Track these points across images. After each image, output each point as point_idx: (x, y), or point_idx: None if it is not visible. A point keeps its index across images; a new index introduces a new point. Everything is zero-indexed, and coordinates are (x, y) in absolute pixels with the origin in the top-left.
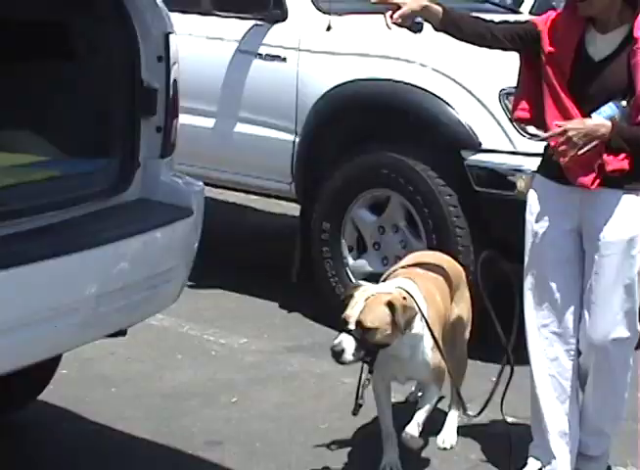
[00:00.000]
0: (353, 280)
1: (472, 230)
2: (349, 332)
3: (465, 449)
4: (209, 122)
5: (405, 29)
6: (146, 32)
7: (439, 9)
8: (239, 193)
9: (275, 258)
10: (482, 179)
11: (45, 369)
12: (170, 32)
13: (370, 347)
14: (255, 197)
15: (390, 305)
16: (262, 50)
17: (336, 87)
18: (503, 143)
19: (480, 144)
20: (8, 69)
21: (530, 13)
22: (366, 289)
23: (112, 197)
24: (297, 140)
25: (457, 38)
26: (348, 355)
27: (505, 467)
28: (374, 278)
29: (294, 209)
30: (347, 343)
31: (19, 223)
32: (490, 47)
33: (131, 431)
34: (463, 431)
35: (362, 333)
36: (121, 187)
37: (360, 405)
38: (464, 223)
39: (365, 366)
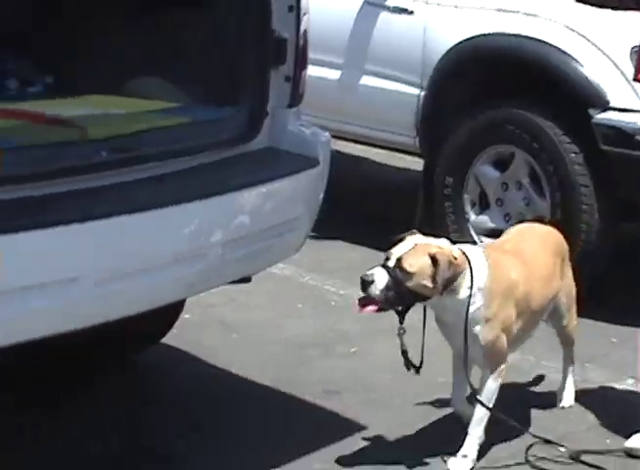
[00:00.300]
0: (475, 236)
1: (596, 189)
2: (386, 267)
3: (582, 410)
4: (335, 74)
5: None
6: None
7: None
8: (362, 146)
9: (397, 212)
10: (609, 138)
11: (169, 313)
12: None
13: (403, 291)
14: (379, 150)
15: (435, 258)
16: (390, 2)
17: (463, 41)
18: (632, 102)
19: (609, 102)
20: (140, 18)
21: None
22: (419, 237)
23: (240, 145)
24: (423, 94)
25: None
26: (376, 290)
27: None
28: (495, 234)
29: (416, 163)
30: (380, 276)
31: (149, 168)
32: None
33: (250, 377)
34: (579, 392)
35: (399, 273)
36: (249, 135)
37: (413, 365)
38: (589, 182)
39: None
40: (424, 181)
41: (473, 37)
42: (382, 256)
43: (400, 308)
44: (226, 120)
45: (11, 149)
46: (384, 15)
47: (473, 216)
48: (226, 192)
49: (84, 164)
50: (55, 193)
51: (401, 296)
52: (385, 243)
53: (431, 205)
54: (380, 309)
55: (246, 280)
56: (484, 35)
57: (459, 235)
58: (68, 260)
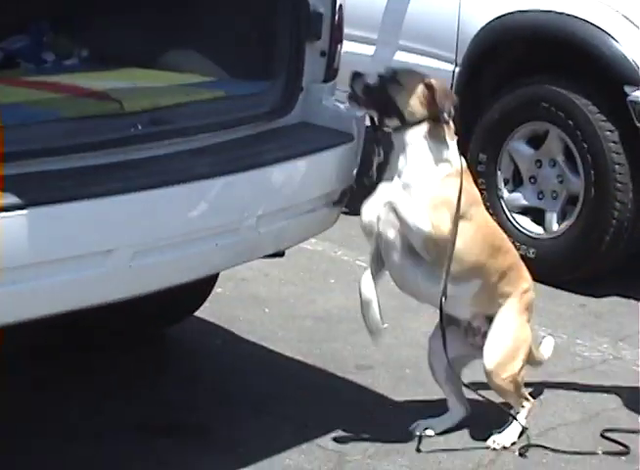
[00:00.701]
0: (507, 213)
1: (631, 167)
2: (380, 74)
3: (614, 389)
4: (370, 50)
5: None
6: None
7: None
8: None
9: None
10: None
11: (202, 287)
12: None
13: (385, 99)
14: None
15: (430, 85)
16: None
17: (498, 18)
18: None
19: None
20: None
21: None
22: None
23: (274, 119)
24: (457, 70)
25: None
26: (361, 83)
27: None
28: (529, 212)
29: None
30: (372, 76)
31: (185, 141)
32: None
33: (282, 351)
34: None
35: (389, 82)
36: (284, 110)
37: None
38: (623, 160)
39: None
40: None
41: (508, 14)
42: None
43: (376, 117)
44: (261, 95)
45: (53, 120)
46: None
47: (506, 193)
48: (260, 166)
49: (120, 137)
50: (91, 165)
51: (381, 103)
52: None
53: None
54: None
55: (279, 254)
56: (520, 12)
57: (492, 212)
58: (104, 233)
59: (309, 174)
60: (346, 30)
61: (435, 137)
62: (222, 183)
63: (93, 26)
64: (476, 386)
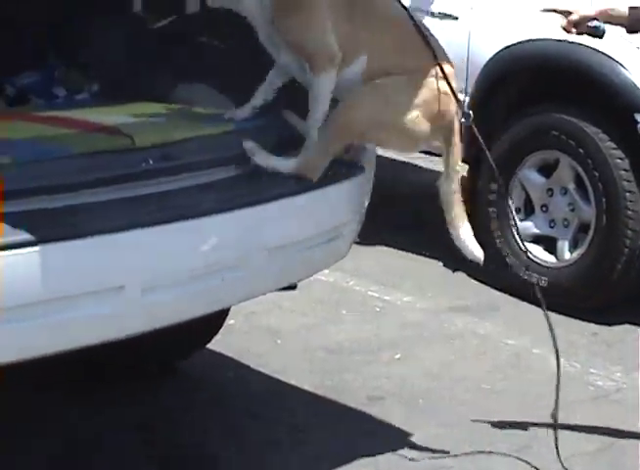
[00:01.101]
0: (519, 242)
1: None
2: None
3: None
4: None
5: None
6: None
7: (623, 11)
8: None
9: (440, 217)
10: None
11: (214, 319)
12: None
13: None
14: (422, 154)
15: None
16: (435, 8)
17: (507, 47)
18: None
19: None
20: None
21: None
22: None
23: (283, 152)
24: (467, 99)
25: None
26: None
27: None
28: (541, 240)
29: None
30: None
31: (194, 176)
32: None
33: (294, 383)
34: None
35: None
36: (292, 142)
37: None
38: (635, 188)
39: None
40: (468, 187)
41: (517, 43)
42: (424, 261)
43: None
44: (269, 128)
45: (64, 157)
46: (428, 20)
47: (518, 223)
48: (269, 200)
49: (131, 173)
50: (102, 201)
51: None
52: (427, 248)
53: (475, 210)
54: None
55: (292, 287)
56: (529, 41)
57: (503, 240)
58: (115, 268)
59: (320, 207)
60: None
61: None
62: (231, 218)
63: (103, 61)
64: None
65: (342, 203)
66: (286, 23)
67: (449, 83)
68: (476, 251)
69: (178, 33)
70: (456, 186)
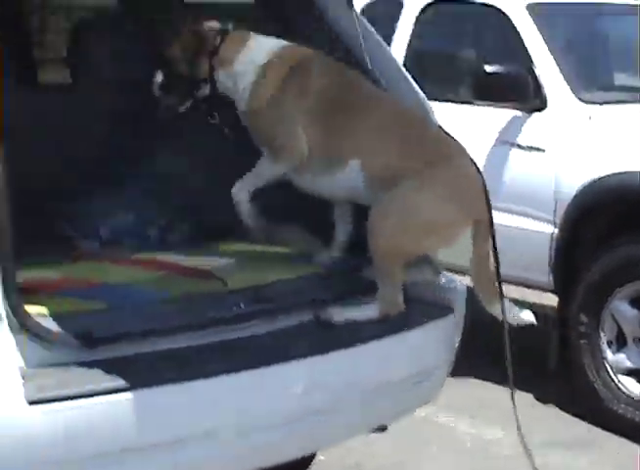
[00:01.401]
0: (612, 375)
1: None
2: None
3: None
4: None
5: None
6: None
7: None
8: None
9: (530, 349)
10: None
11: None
12: None
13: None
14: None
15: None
16: (522, 141)
17: (597, 179)
18: None
19: None
20: None
21: None
22: None
23: (373, 294)
24: (556, 231)
25: None
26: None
27: None
28: (635, 374)
29: (548, 298)
30: None
31: (285, 318)
32: None
33: None
34: None
35: None
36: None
37: None
38: None
39: None
40: (558, 319)
41: (607, 176)
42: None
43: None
44: (358, 270)
45: (157, 301)
46: (515, 152)
47: (610, 355)
48: (359, 343)
49: (223, 317)
50: (195, 345)
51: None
52: (518, 380)
53: (566, 343)
54: None
55: (382, 429)
56: (619, 174)
57: (595, 373)
58: (209, 412)
59: (411, 349)
60: None
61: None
62: (325, 361)
63: (193, 203)
64: None
65: (432, 345)
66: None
67: (478, 170)
68: (523, 313)
69: None
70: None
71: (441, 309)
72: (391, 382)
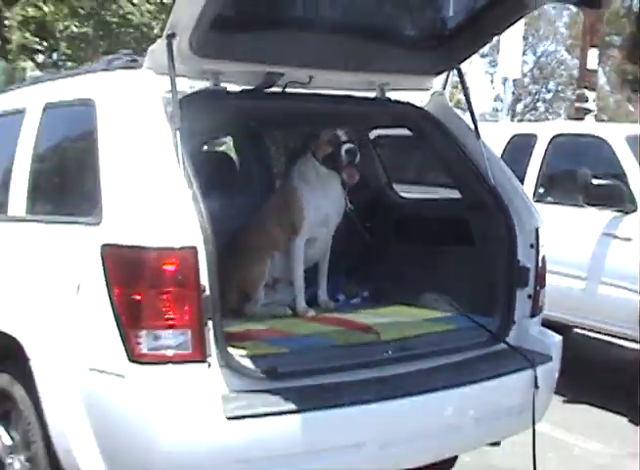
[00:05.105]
0: None
1: None
2: None
3: None
4: (581, 284)
5: None
6: (522, 227)
7: None
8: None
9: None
10: None
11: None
12: (539, 227)
13: None
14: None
15: None
16: (618, 232)
17: None
18: None
19: None
20: (431, 250)
21: None
22: None
23: (493, 346)
24: None
25: None
26: None
27: None
28: None
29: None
30: None
31: (424, 363)
32: None
33: None
34: None
35: None
36: (501, 337)
37: None
38: None
39: None
40: None
41: None
42: (613, 416)
43: None
44: (483, 327)
45: (327, 347)
46: (614, 242)
47: None
48: (478, 381)
49: (375, 360)
50: (352, 381)
51: None
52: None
53: None
54: None
55: (496, 444)
56: None
57: None
58: (360, 430)
59: (516, 387)
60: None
61: None
62: (451, 394)
63: (373, 275)
64: None
65: (530, 385)
66: None
67: None
68: None
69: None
70: None
71: (543, 357)
72: (501, 410)
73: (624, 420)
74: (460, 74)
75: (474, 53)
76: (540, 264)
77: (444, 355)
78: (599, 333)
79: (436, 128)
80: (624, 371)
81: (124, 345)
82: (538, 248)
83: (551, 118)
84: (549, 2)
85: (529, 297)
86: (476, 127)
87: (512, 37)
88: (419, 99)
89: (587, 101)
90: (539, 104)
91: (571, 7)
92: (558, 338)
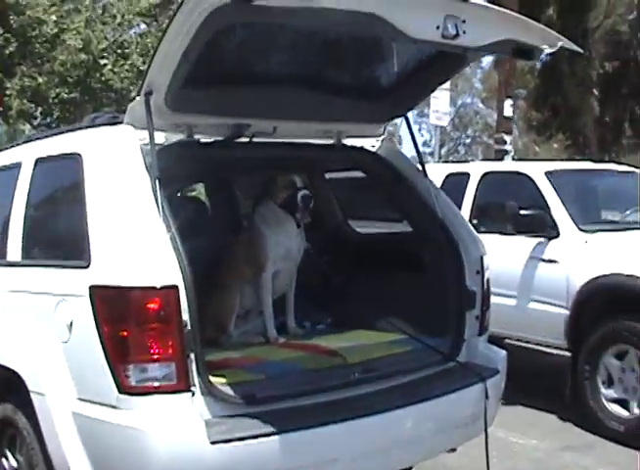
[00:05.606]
0: (605, 402)
1: None
2: None
3: None
4: (512, 302)
5: None
6: (469, 256)
7: None
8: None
9: (555, 386)
10: None
11: None
12: (484, 255)
13: None
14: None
15: None
16: (544, 256)
17: (592, 279)
18: None
19: None
20: (387, 279)
21: None
22: None
23: (445, 363)
24: (568, 313)
25: None
26: None
27: None
28: (618, 402)
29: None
30: None
31: (384, 382)
32: None
33: None
34: None
35: None
36: (454, 356)
37: None
38: None
39: None
40: (571, 368)
41: (597, 277)
42: (544, 414)
43: None
44: (437, 347)
45: (299, 372)
46: (540, 264)
47: (603, 391)
48: (434, 397)
49: (342, 382)
50: (321, 402)
51: None
52: (548, 404)
53: (576, 382)
54: None
55: (453, 450)
56: (604, 276)
57: (595, 402)
58: (332, 447)
59: (469, 399)
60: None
61: None
62: (412, 409)
63: (336, 303)
64: None
65: (482, 396)
66: None
67: None
68: None
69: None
70: None
71: (492, 371)
72: (454, 421)
73: (555, 417)
74: (407, 121)
75: (420, 102)
76: (485, 288)
77: (404, 375)
78: (528, 343)
79: (388, 170)
80: (554, 375)
81: (114, 378)
82: (483, 273)
83: (471, 160)
84: (485, 54)
85: (477, 318)
86: (423, 167)
87: (440, 91)
88: (370, 144)
89: (505, 143)
90: (460, 148)
91: (484, 65)
92: (503, 353)
